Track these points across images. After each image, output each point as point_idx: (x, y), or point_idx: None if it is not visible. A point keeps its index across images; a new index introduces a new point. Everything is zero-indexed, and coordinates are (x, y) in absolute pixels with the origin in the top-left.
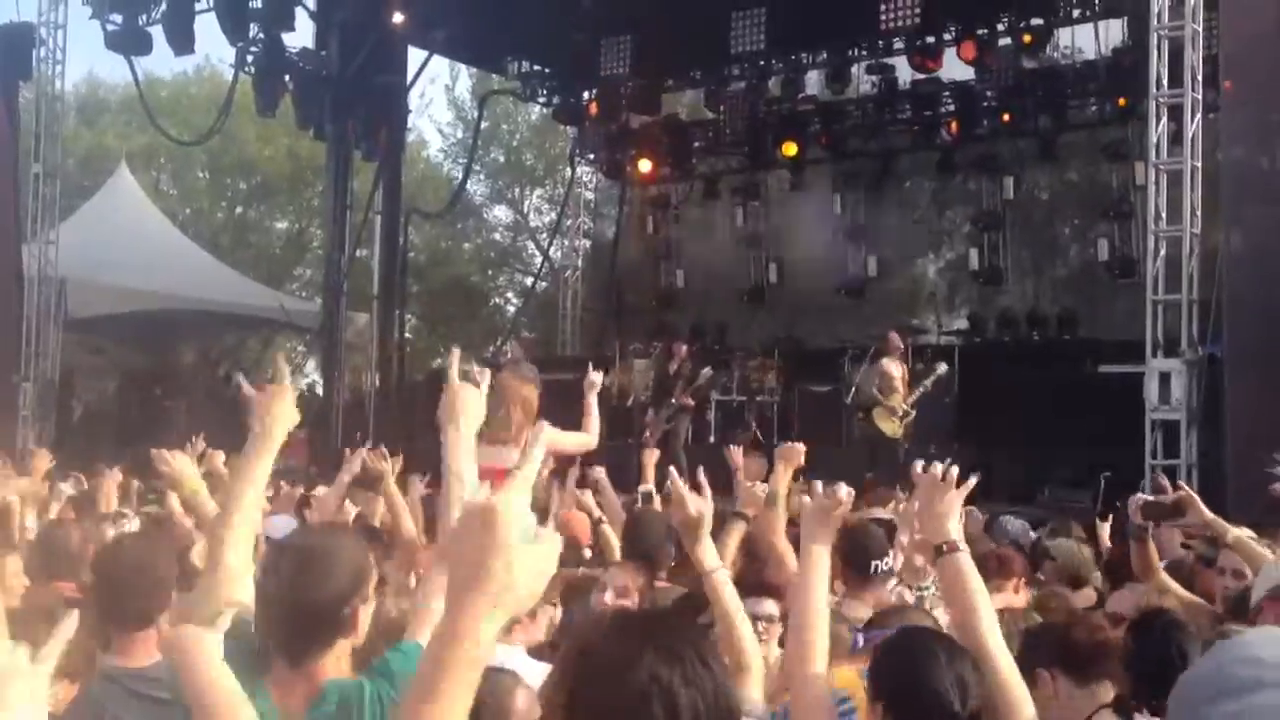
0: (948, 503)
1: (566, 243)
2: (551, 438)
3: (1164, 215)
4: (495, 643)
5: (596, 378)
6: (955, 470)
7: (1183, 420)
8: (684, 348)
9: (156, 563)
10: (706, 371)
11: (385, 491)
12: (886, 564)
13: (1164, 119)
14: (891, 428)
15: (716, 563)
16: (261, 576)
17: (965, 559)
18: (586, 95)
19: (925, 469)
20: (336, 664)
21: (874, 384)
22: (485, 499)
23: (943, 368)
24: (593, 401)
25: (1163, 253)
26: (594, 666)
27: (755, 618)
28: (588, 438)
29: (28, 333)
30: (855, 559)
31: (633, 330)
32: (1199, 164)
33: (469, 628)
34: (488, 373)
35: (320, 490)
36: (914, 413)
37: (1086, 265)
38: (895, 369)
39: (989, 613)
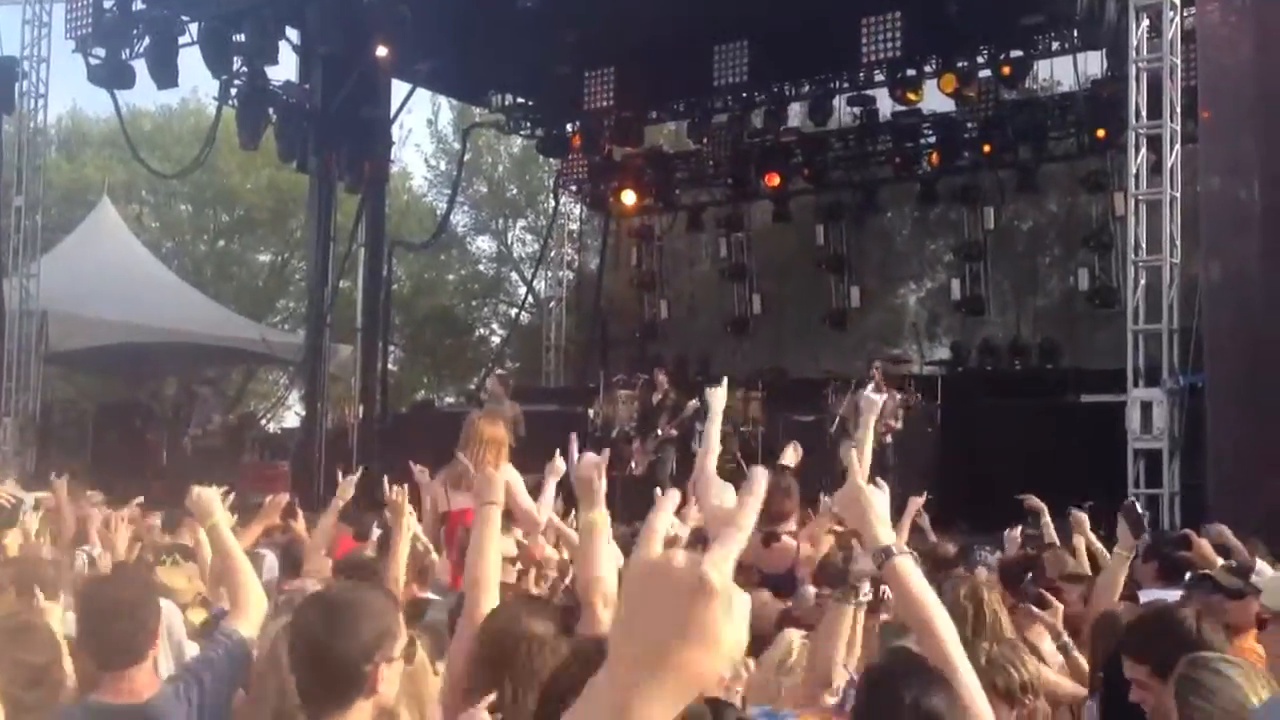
0: (867, 497)
1: (550, 274)
2: (511, 485)
3: (1144, 245)
4: None
5: (560, 465)
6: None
7: (1165, 449)
8: (664, 377)
9: (145, 598)
10: (694, 403)
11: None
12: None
13: (1143, 150)
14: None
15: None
16: (293, 624)
17: (908, 564)
18: (569, 127)
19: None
20: None
21: (850, 417)
22: (695, 567)
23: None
24: (550, 487)
25: (1143, 282)
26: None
27: None
28: (536, 517)
29: (8, 366)
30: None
31: (617, 361)
32: (1178, 194)
33: (634, 709)
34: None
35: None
36: (888, 445)
37: (1067, 295)
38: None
39: (945, 623)
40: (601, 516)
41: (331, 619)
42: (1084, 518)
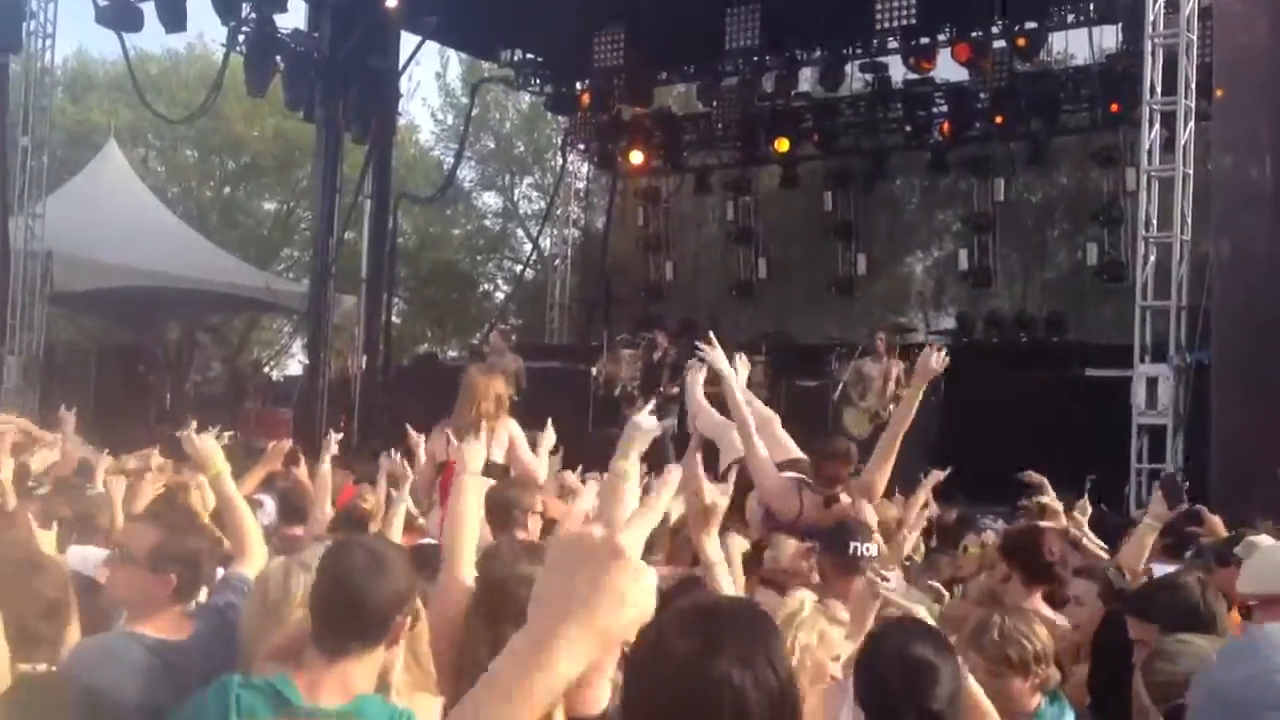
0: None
1: (555, 232)
2: (514, 439)
3: (1154, 221)
4: (568, 681)
5: (550, 438)
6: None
7: (1169, 425)
8: (664, 337)
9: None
10: (693, 362)
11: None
12: (867, 549)
13: (1156, 125)
14: (861, 428)
15: (719, 556)
16: (327, 560)
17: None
18: (579, 85)
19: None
20: (366, 678)
21: (853, 386)
22: (609, 536)
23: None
24: (546, 444)
25: (1153, 258)
26: (659, 662)
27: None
28: (535, 471)
29: (13, 306)
30: (833, 542)
31: (620, 321)
32: (1190, 171)
33: (553, 662)
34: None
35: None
36: (888, 413)
37: (1075, 269)
38: (873, 369)
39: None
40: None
41: (377, 564)
42: (1083, 519)
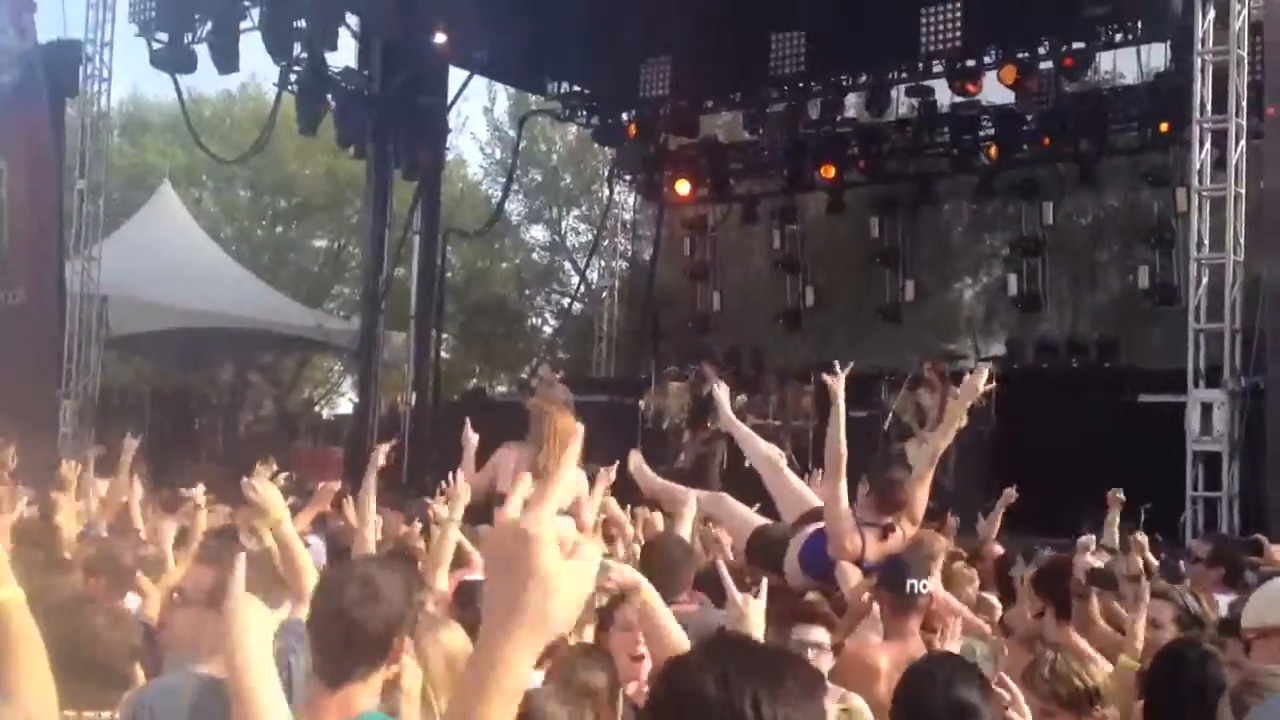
0: None
1: (603, 264)
2: (580, 497)
3: (1206, 242)
4: (530, 671)
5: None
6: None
7: (1224, 452)
8: (711, 369)
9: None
10: (741, 399)
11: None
12: (924, 585)
13: (1207, 145)
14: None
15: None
16: (320, 593)
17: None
18: (625, 116)
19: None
20: (371, 696)
21: (909, 415)
22: (516, 521)
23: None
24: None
25: (1205, 280)
26: (689, 691)
27: (803, 644)
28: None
29: (69, 350)
30: (890, 580)
31: (668, 352)
32: (1242, 190)
33: (505, 658)
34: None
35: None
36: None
37: (1126, 292)
38: (929, 400)
39: None
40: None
41: (370, 589)
42: (1143, 540)
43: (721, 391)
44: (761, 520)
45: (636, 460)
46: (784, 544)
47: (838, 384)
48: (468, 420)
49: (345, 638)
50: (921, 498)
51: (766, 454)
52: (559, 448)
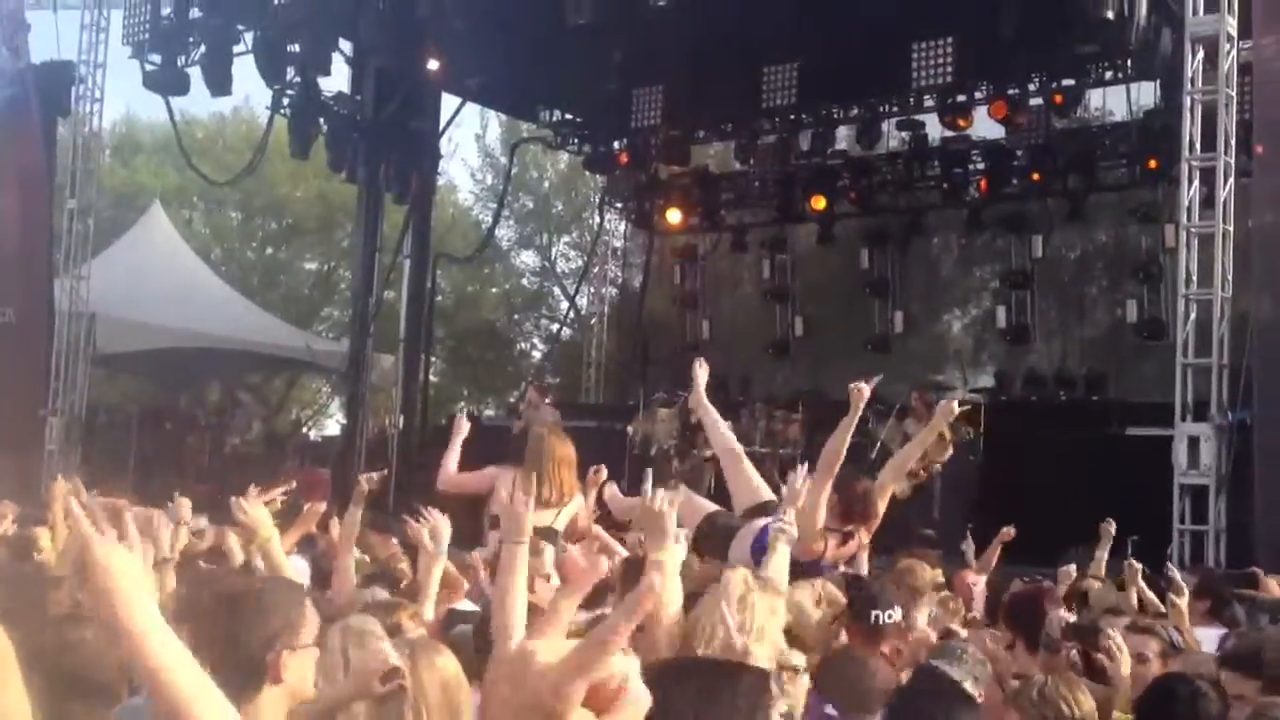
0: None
1: (592, 290)
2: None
3: (1195, 278)
4: None
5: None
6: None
7: (1211, 486)
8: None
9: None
10: (727, 425)
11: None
12: (890, 615)
13: (1196, 182)
14: (899, 488)
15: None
16: (195, 620)
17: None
18: (617, 145)
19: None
20: (273, 716)
21: (896, 444)
22: (517, 649)
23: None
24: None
25: (1193, 316)
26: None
27: (781, 667)
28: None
29: (57, 367)
30: (858, 611)
31: (657, 380)
32: (1230, 228)
33: None
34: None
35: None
36: (935, 475)
37: (1114, 326)
38: (916, 430)
39: None
40: (670, 555)
41: (233, 611)
42: (1138, 566)
43: (701, 370)
44: (713, 507)
45: (611, 491)
46: (731, 533)
47: (864, 392)
48: (463, 409)
49: (222, 658)
50: (880, 504)
51: (730, 445)
52: (557, 474)
